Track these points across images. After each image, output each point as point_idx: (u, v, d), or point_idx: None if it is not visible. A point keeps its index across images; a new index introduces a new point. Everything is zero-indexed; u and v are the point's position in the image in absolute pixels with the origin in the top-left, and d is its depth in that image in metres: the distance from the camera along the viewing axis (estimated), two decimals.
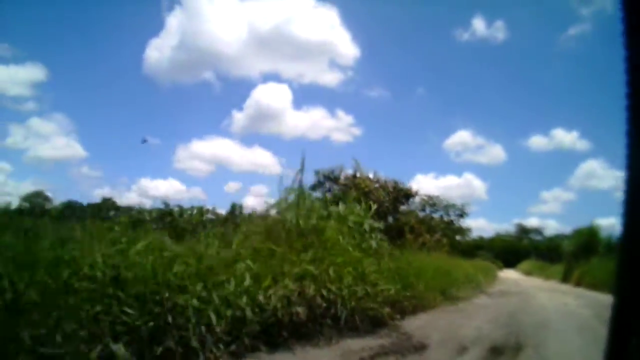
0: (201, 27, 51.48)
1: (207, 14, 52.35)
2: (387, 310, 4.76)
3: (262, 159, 58.95)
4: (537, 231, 56.50)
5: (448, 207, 20.51)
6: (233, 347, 3.21)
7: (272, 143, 67.55)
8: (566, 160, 55.25)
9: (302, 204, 6.42)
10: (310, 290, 4.00)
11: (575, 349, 3.75)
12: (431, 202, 19.71)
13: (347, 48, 61.47)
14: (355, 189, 13.79)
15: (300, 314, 3.72)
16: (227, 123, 69.08)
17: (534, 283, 15.67)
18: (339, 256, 4.97)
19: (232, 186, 58.05)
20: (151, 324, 2.97)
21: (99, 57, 60.20)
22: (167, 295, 3.19)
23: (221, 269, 3.90)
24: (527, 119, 59.41)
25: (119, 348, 2.64)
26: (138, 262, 3.39)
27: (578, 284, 14.24)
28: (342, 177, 15.96)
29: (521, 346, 3.68)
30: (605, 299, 4.05)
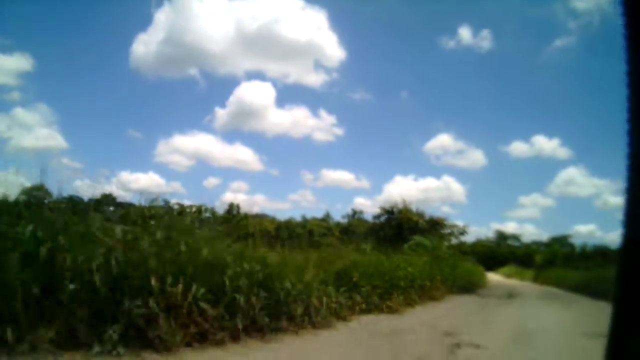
0: (189, 23, 56.76)
1: (196, 10, 55.80)
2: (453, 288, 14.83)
3: (243, 155, 65.46)
4: (515, 237, 63.70)
5: (453, 227, 32.02)
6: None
7: (254, 140, 73.74)
8: (546, 166, 58.79)
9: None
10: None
11: (532, 294, 14.59)
12: (444, 224, 31.14)
13: (333, 50, 67.06)
14: (405, 221, 25.00)
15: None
16: (210, 119, 74.83)
17: (514, 282, 26.72)
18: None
19: (211, 181, 64.67)
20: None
21: (86, 50, 65.24)
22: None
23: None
24: (508, 126, 63.11)
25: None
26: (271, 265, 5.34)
27: (542, 283, 25.28)
28: (395, 211, 27.01)
29: (515, 295, 14.35)
30: (552, 290, 14.83)
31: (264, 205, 69.16)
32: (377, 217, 31.07)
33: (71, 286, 3.85)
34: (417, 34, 62.72)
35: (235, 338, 4.40)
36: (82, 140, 63.91)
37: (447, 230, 30.89)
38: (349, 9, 66.91)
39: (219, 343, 4.24)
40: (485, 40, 59.30)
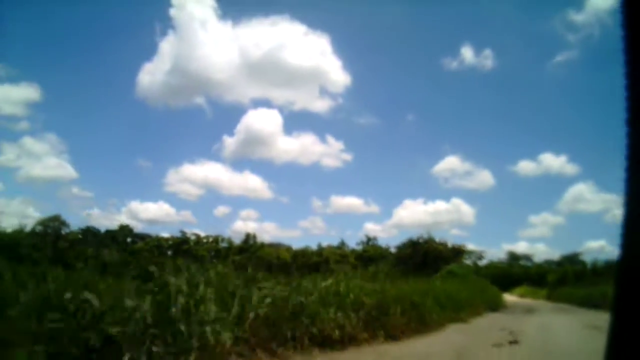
0: (194, 52, 58.36)
1: (200, 39, 58.54)
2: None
3: (253, 183, 68.48)
4: (527, 258, 65.22)
5: (471, 253, 36.57)
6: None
7: (263, 168, 76.74)
8: (554, 184, 62.58)
9: None
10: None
11: (546, 309, 18.80)
12: (464, 250, 35.82)
13: (338, 75, 70.40)
14: (431, 251, 29.63)
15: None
16: (218, 147, 77.06)
17: (528, 301, 30.64)
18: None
19: (221, 210, 66.11)
20: None
21: (93, 80, 69.01)
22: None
23: None
24: (515, 144, 67.30)
25: None
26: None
27: (554, 300, 29.23)
28: (421, 241, 31.66)
29: (532, 310, 18.57)
30: (563, 305, 18.98)
31: (274, 234, 72.07)
32: (402, 247, 35.66)
33: None
34: (420, 55, 66.61)
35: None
36: (92, 169, 66.37)
37: (466, 257, 35.28)
38: (351, 33, 69.21)
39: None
40: (488, 59, 64.60)
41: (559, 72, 56.79)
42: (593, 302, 18.38)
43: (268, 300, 5.97)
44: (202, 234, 53.83)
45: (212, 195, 71.00)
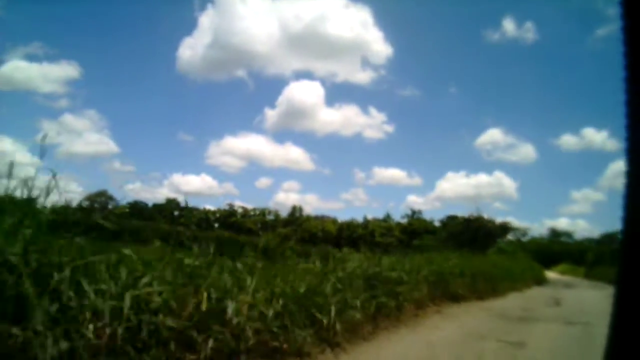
0: (234, 25, 60.92)
1: (240, 12, 61.60)
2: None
3: (294, 155, 70.96)
4: (568, 235, 68.73)
5: (517, 229, 40.22)
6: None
7: (305, 140, 78.46)
8: (596, 160, 63.55)
9: None
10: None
11: (582, 285, 23.04)
12: (511, 227, 39.58)
13: (380, 47, 72.57)
14: (482, 227, 33.53)
15: None
16: (260, 120, 79.27)
17: (568, 278, 34.48)
18: None
19: (263, 182, 68.24)
20: None
21: (132, 56, 71.28)
22: None
23: None
24: (557, 118, 69.18)
25: None
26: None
27: (591, 279, 33.11)
28: (472, 218, 35.46)
29: (571, 285, 22.85)
30: (597, 283, 23.24)
31: (316, 205, 75.32)
32: (448, 221, 39.93)
33: None
34: (461, 27, 67.85)
35: None
36: (133, 144, 69.56)
37: (511, 233, 39.30)
38: (392, 4, 68.95)
39: None
40: (529, 32, 67.60)
41: (600, 46, 55.56)
42: None
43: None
44: (249, 207, 56.59)
45: (254, 167, 73.81)
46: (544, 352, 6.09)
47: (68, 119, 63.06)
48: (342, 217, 68.56)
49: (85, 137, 63.01)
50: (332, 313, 5.14)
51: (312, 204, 73.19)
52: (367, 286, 6.83)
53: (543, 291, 17.35)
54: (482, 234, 33.82)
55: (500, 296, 13.44)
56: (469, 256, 15.80)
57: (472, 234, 34.35)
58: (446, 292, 10.54)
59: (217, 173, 77.11)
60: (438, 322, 7.79)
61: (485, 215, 35.80)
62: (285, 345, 4.38)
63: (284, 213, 62.83)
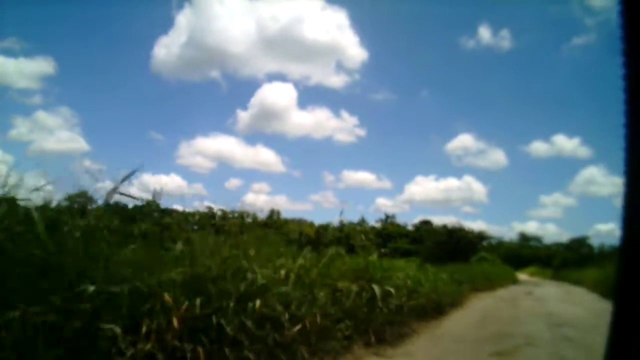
0: (210, 25, 58.01)
1: (217, 12, 58.67)
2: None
3: (265, 157, 66.87)
4: (537, 239, 71.95)
5: (490, 237, 47.80)
6: None
7: (276, 142, 76.36)
8: (567, 166, 61.84)
9: None
10: None
11: (549, 285, 30.63)
12: (486, 236, 47.05)
13: (355, 51, 69.44)
14: (462, 237, 40.81)
15: None
16: (232, 121, 77.77)
17: (537, 279, 42.17)
18: None
19: (233, 183, 68.65)
20: None
21: (108, 53, 64.84)
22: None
23: None
24: (529, 125, 66.69)
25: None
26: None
27: (557, 280, 40.94)
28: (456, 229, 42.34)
29: (540, 284, 30.46)
30: (561, 283, 31.00)
31: (285, 207, 74.53)
32: (423, 226, 47.11)
33: None
34: (437, 33, 66.66)
35: None
36: (104, 142, 66.87)
37: (486, 241, 46.94)
38: (369, 9, 69.12)
39: None
40: (505, 40, 63.87)
41: (575, 55, 56.37)
42: (580, 280, 29.87)
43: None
44: (228, 209, 59.46)
45: (225, 168, 71.19)
46: (526, 308, 13.02)
47: (41, 115, 62.50)
48: (310, 218, 71.04)
49: (57, 134, 63.10)
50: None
51: (282, 205, 72.89)
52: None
53: (518, 288, 24.64)
54: (463, 243, 41.02)
55: (495, 290, 20.54)
56: (470, 266, 22.79)
57: (454, 244, 41.59)
58: (473, 287, 17.66)
59: (187, 173, 76.24)
60: (481, 298, 14.71)
61: (465, 227, 42.92)
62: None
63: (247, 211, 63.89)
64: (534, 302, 15.45)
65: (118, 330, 4.00)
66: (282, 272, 6.00)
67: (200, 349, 4.31)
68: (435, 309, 10.33)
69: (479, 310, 12.25)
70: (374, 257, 9.30)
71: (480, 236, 44.76)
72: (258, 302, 4.95)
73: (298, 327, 5.23)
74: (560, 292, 22.39)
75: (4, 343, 3.61)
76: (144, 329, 4.18)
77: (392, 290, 7.64)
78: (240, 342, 4.61)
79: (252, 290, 5.21)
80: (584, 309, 12.76)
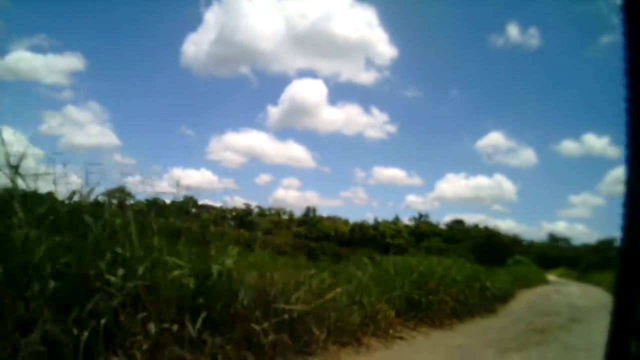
0: (239, 22, 66.99)
1: (245, 9, 68.29)
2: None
3: (296, 152, 77.83)
4: (565, 240, 79.09)
5: (524, 241, 55.57)
6: None
7: (307, 138, 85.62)
8: (596, 165, 69.26)
9: None
10: None
11: (574, 285, 38.13)
12: (520, 240, 55.03)
13: (384, 48, 78.22)
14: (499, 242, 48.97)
15: None
16: (262, 117, 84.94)
17: (564, 280, 49.02)
18: None
19: (263, 178, 71.57)
20: None
21: (137, 50, 75.21)
22: None
23: None
24: (559, 124, 75.57)
25: None
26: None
27: (582, 281, 48.03)
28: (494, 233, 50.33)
29: (567, 284, 38.02)
30: (586, 284, 38.68)
31: (315, 202, 76.33)
32: (455, 225, 54.82)
33: None
34: (466, 31, 76.24)
35: None
36: (135, 137, 70.86)
37: (520, 245, 54.45)
38: (398, 6, 73.79)
39: None
40: (533, 38, 73.00)
41: (603, 53, 61.59)
42: (600, 282, 37.10)
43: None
44: (265, 207, 60.77)
45: (255, 163, 79.96)
46: (554, 300, 20.88)
47: (71, 110, 68.63)
48: (340, 214, 75.24)
49: (87, 129, 67.29)
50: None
51: (311, 201, 77.61)
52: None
53: (549, 287, 32.37)
54: (499, 246, 48.50)
55: (531, 288, 28.28)
56: (509, 268, 30.52)
57: (492, 246, 49.10)
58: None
59: (217, 168, 79.79)
60: (524, 294, 22.56)
61: (498, 228, 50.36)
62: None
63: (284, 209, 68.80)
64: (560, 296, 23.09)
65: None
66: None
67: None
68: (501, 299, 18.11)
69: (525, 301, 19.95)
70: (465, 263, 17.25)
71: (515, 240, 52.27)
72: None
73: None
74: (580, 291, 29.83)
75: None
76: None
77: (488, 284, 15.62)
78: None
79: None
80: (592, 301, 20.34)
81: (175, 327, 4.61)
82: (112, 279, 4.39)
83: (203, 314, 4.91)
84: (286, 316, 5.87)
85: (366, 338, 7.44)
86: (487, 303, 14.68)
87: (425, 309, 10.18)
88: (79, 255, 4.36)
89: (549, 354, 8.24)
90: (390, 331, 8.19)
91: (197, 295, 5.03)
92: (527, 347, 8.41)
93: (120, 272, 4.49)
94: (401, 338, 8.30)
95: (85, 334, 3.90)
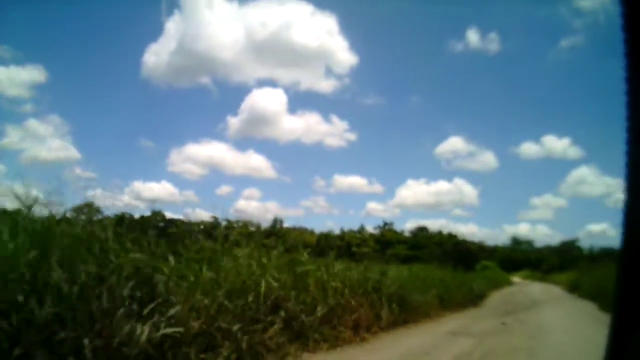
0: (199, 31, 62.36)
1: (206, 18, 62.82)
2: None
3: (256, 162, 72.15)
4: (528, 243, 77.44)
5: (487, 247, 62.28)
6: None
7: (267, 147, 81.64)
8: (557, 167, 67.26)
9: None
10: None
11: (537, 285, 45.02)
12: (485, 246, 61.66)
13: (344, 55, 75.28)
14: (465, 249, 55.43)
15: None
16: (223, 127, 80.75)
17: (528, 282, 55.74)
18: None
19: (224, 189, 69.51)
20: None
21: (98, 61, 72.60)
22: None
23: None
24: (519, 127, 72.81)
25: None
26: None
27: (545, 282, 54.93)
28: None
29: (530, 285, 44.91)
30: (548, 284, 46.03)
31: (276, 212, 75.17)
32: (419, 232, 60.26)
33: None
34: (426, 37, 75.25)
35: None
36: (95, 150, 68.52)
37: (485, 251, 60.90)
38: (358, 14, 74.76)
39: None
40: (493, 43, 69.06)
41: (564, 57, 61.15)
42: (559, 282, 43.70)
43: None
44: (233, 219, 63.25)
45: (215, 174, 76.20)
46: (519, 296, 27.06)
47: (32, 124, 65.02)
48: (301, 224, 75.32)
49: (48, 142, 64.54)
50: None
51: (272, 211, 75.17)
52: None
53: (514, 287, 38.95)
54: (466, 254, 54.51)
55: (499, 289, 34.40)
56: (477, 273, 36.64)
57: (459, 254, 55.12)
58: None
59: (178, 180, 79.49)
60: (494, 293, 28.57)
61: (458, 232, 55.76)
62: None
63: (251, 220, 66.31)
64: (523, 295, 29.27)
65: None
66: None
67: None
68: (479, 296, 23.94)
69: (496, 299, 25.91)
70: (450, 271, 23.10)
71: (481, 247, 58.73)
72: None
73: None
74: (541, 289, 36.27)
75: None
76: None
77: (474, 286, 21.58)
78: None
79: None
80: (549, 296, 26.87)
81: None
82: None
83: None
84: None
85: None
86: (474, 299, 20.80)
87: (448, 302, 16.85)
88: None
89: (515, 319, 14.85)
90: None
91: None
92: (502, 317, 15.15)
93: None
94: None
95: None
